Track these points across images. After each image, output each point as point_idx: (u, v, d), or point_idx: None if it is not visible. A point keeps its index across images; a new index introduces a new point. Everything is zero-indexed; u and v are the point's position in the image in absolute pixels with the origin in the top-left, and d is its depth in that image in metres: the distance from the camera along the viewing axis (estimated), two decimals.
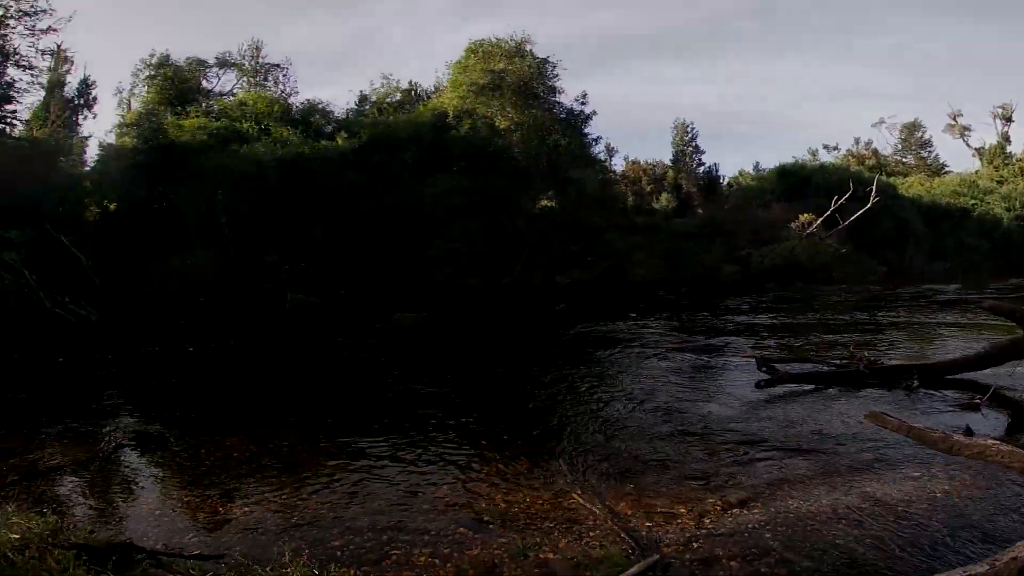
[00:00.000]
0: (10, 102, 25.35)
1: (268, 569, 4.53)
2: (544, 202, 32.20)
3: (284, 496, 6.46)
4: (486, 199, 27.05)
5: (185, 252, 21.53)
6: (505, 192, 27.83)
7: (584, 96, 34.34)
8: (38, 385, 14.43)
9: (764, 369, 10.60)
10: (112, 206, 24.07)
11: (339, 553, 5.02)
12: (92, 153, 28.38)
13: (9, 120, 25.48)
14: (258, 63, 33.00)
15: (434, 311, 20.74)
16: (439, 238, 25.70)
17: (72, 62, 29.92)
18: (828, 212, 34.02)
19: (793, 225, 34.16)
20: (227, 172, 23.48)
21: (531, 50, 32.55)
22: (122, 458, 8.55)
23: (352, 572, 4.58)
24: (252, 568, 4.61)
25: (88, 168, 26.84)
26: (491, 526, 5.45)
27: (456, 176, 27.79)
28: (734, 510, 5.62)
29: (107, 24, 61.26)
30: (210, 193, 22.97)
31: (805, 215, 34.51)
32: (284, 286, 21.73)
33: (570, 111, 33.78)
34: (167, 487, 7.29)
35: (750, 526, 5.23)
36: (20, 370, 15.65)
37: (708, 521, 5.39)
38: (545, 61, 32.57)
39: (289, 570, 4.43)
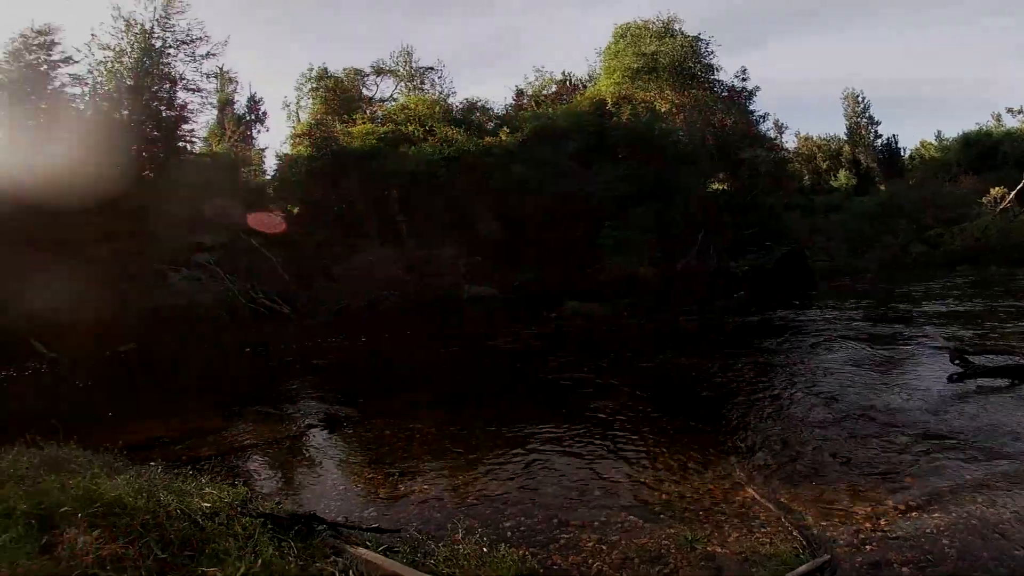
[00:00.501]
0: (186, 122, 27.53)
1: (441, 545, 4.64)
2: (715, 185, 30.70)
3: (460, 477, 6.59)
4: (654, 185, 26.01)
5: (366, 249, 21.90)
6: (673, 177, 26.62)
7: (744, 72, 32.96)
8: (234, 372, 15.46)
9: (957, 362, 9.47)
10: (295, 210, 25.12)
11: (509, 534, 5.08)
12: (269, 163, 30.40)
13: (188, 138, 27.59)
14: (412, 68, 33.71)
15: (607, 300, 19.95)
16: (608, 227, 24.83)
17: (237, 82, 32.52)
18: (1021, 184, 30.22)
19: (984, 200, 30.73)
20: (399, 173, 24.00)
21: (680, 29, 31.61)
22: (310, 438, 8.89)
23: (521, 552, 4.51)
24: (426, 543, 4.77)
25: (268, 177, 28.72)
26: (660, 516, 5.31)
27: (621, 163, 26.95)
28: (912, 512, 5.16)
29: (259, 44, 65.06)
30: (385, 193, 23.36)
31: (996, 188, 31.01)
32: (461, 278, 21.60)
33: (731, 88, 32.43)
34: (351, 465, 7.55)
35: (928, 531, 4.82)
36: (219, 359, 16.85)
37: (884, 523, 5.01)
38: (697, 39, 31.54)
39: (461, 547, 4.49)
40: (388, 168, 24.06)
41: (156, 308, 20.11)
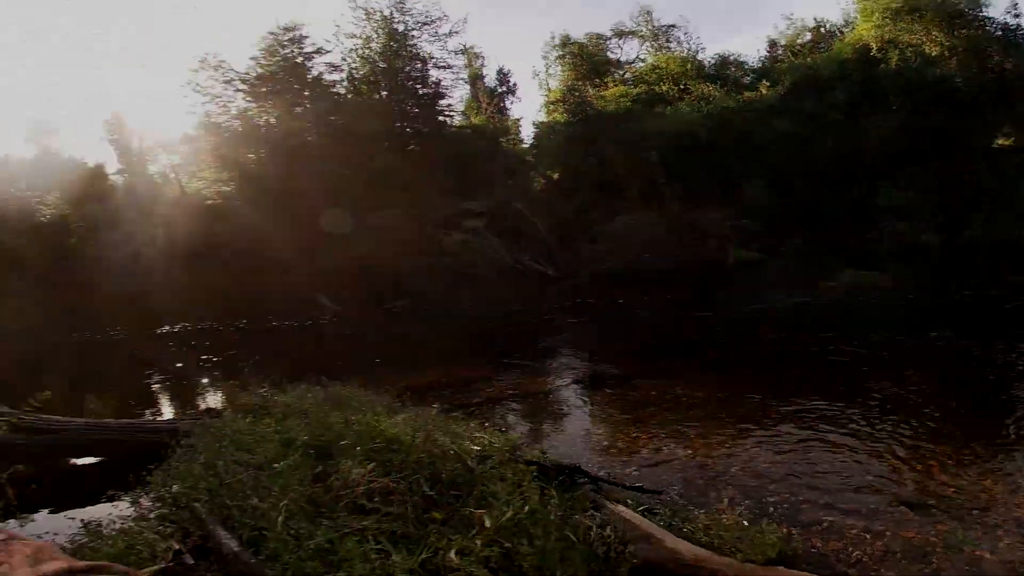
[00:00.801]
0: (442, 97, 29.37)
1: (701, 512, 4.59)
2: (1001, 140, 27.29)
3: (725, 445, 6.47)
4: (933, 139, 23.46)
5: (627, 212, 22.00)
6: (953, 130, 23.79)
7: (1015, 7, 28.58)
8: (500, 327, 16.51)
9: None
10: (555, 175, 25.77)
11: (772, 509, 4.94)
12: (526, 131, 31.30)
13: (447, 113, 29.41)
14: (654, 27, 32.71)
15: (884, 270, 18.27)
16: (884, 187, 22.83)
17: (483, 57, 33.36)
18: None
19: None
20: (657, 133, 23.54)
21: None
22: (572, 392, 9.14)
23: (783, 530, 4.37)
24: (687, 508, 4.74)
25: (526, 144, 29.61)
26: (931, 511, 4.88)
27: (894, 115, 24.50)
28: None
29: (496, 18, 66.44)
30: (644, 155, 23.12)
31: None
32: (726, 242, 20.88)
33: (1005, 26, 28.31)
34: (614, 422, 7.70)
35: None
36: (487, 314, 17.97)
37: None
38: None
39: (724, 517, 4.39)
40: (645, 129, 23.76)
41: (430, 268, 21.51)
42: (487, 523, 3.71)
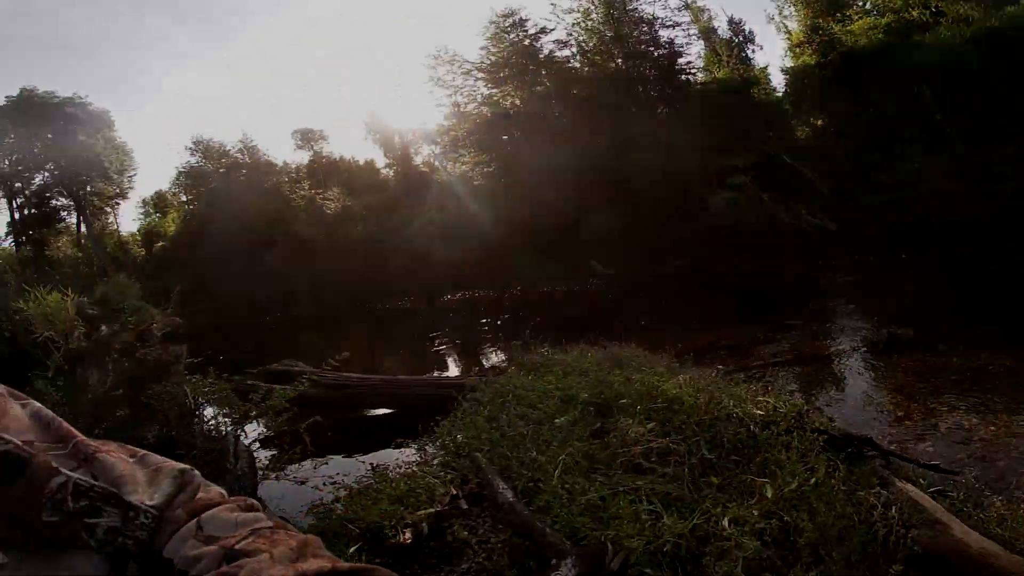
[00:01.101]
0: (680, 56, 29.94)
1: (998, 499, 4.14)
2: None
3: None
4: None
5: (907, 156, 20.76)
6: None
7: None
8: (777, 286, 16.41)
9: None
10: (818, 122, 25.65)
11: None
12: (776, 80, 30.34)
13: (688, 71, 29.96)
14: None
15: None
16: None
17: (708, 9, 32.39)
18: None
19: None
20: (921, 65, 21.92)
21: None
22: (862, 356, 8.82)
23: None
24: (982, 493, 4.29)
25: (779, 93, 28.90)
26: None
27: None
28: None
29: None
30: (913, 91, 22.14)
31: None
32: None
33: None
34: (908, 390, 7.12)
35: None
36: (762, 274, 17.70)
37: None
38: None
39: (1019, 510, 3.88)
40: (907, 62, 22.26)
41: (699, 230, 22.36)
42: (768, 493, 3.62)
